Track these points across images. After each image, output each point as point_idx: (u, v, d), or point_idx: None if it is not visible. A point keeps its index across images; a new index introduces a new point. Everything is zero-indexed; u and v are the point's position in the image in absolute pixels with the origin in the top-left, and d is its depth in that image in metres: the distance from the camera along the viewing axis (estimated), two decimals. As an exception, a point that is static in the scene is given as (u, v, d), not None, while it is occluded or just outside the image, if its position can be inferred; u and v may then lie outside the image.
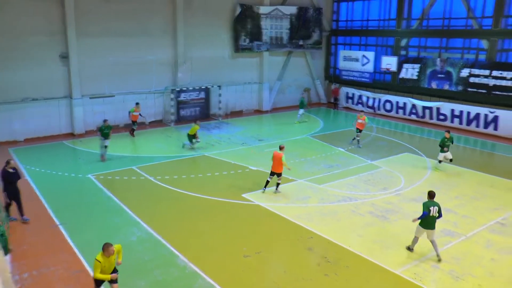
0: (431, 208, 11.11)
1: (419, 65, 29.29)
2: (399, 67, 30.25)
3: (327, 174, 17.90)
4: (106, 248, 8.41)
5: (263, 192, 15.60)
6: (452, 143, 18.96)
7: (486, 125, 25.84)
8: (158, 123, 26.92)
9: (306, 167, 18.78)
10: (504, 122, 25.12)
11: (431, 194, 11.48)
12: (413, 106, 29.37)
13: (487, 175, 18.38)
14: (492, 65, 25.90)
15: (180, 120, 27.33)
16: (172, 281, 10.27)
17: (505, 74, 25.15)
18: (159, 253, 11.53)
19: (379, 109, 31.42)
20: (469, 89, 26.83)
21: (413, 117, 29.37)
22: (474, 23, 26.93)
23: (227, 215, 14.03)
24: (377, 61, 31.75)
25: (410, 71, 29.78)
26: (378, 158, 20.27)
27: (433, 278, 10.66)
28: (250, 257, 11.33)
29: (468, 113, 26.64)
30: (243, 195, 15.41)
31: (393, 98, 30.57)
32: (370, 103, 32.02)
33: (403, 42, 30.84)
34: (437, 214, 11.20)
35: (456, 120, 27.20)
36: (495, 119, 25.44)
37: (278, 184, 15.68)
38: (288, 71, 33.57)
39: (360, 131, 22.11)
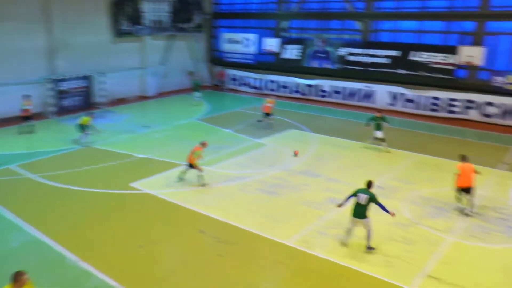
0: (359, 195, 10.64)
1: (300, 45, 30.37)
2: (281, 48, 31.09)
3: (216, 155, 17.87)
4: (18, 278, 6.85)
5: (177, 181, 15.05)
6: (387, 122, 19.22)
7: (364, 99, 27.69)
8: (37, 116, 24.74)
9: (195, 150, 18.58)
10: (379, 95, 27.12)
11: (367, 183, 10.82)
12: (297, 84, 30.46)
13: (370, 145, 19.64)
14: (367, 44, 27.79)
15: (62, 111, 25.46)
16: (62, 284, 9.52)
17: (378, 52, 27.13)
18: (46, 256, 10.52)
19: (263, 89, 32.10)
20: (347, 67, 28.50)
21: (297, 95, 30.47)
22: (349, 6, 28.52)
23: (116, 206, 13.35)
24: (260, 43, 32.29)
25: (292, 52, 30.76)
26: (265, 136, 20.69)
27: (320, 243, 11.15)
28: (143, 247, 10.91)
29: (348, 88, 28.32)
30: (131, 184, 14.80)
31: (277, 78, 31.43)
32: (255, 83, 32.58)
33: (284, 24, 31.75)
34: (366, 203, 10.53)
35: (337, 95, 28.74)
36: (371, 93, 27.35)
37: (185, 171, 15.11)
38: (172, 55, 32.84)
39: (268, 114, 22.26)
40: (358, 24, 28.55)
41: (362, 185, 10.99)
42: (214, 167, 16.50)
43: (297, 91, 30.45)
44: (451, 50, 24.76)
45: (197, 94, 27.99)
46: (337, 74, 28.94)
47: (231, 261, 10.33)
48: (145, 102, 29.67)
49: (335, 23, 30.20)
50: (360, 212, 10.63)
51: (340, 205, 11.17)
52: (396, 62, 26.62)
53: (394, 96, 26.67)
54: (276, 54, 31.60)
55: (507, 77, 23.28)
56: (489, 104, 23.85)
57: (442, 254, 10.81)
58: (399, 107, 26.56)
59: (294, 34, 31.93)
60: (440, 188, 14.89)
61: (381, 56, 27.08)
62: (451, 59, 24.71)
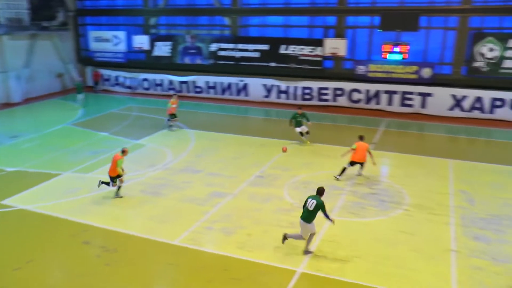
0: (308, 200, 10.48)
1: (170, 42, 30.12)
2: (152, 45, 30.55)
3: (94, 161, 17.11)
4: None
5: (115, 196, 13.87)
6: (307, 120, 19.33)
7: (238, 93, 28.41)
8: None
9: (70, 157, 17.58)
10: (253, 88, 28.02)
11: (318, 190, 10.65)
12: (170, 82, 30.21)
13: (242, 136, 20.35)
14: (237, 39, 28.49)
15: None
16: None
17: (248, 46, 27.99)
18: None
19: (137, 88, 31.32)
20: (220, 62, 28.96)
21: (172, 92, 30.16)
22: (216, 1, 28.93)
23: (-16, 227, 12.20)
24: (129, 40, 31.34)
25: (163, 49, 30.39)
26: (143, 136, 20.29)
27: (208, 239, 11.36)
28: (20, 269, 10.10)
29: (222, 83, 28.79)
30: (2, 202, 13.55)
31: (150, 76, 30.85)
32: (128, 83, 31.65)
33: (153, 21, 31.23)
34: (312, 209, 10.33)
35: (212, 91, 29.09)
36: (245, 86, 28.16)
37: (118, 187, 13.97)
38: (37, 56, 30.12)
39: (172, 116, 21.57)
40: (226, 20, 29.14)
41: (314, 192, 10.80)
42: (92, 173, 15.79)
43: (171, 88, 30.21)
44: (317, 42, 26.48)
45: (80, 96, 26.45)
46: (210, 69, 29.29)
47: (120, 269, 10.07)
48: (10, 109, 27.07)
49: (203, 19, 30.49)
50: (307, 216, 10.41)
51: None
52: (267, 55, 27.73)
53: (268, 89, 27.77)
54: (147, 52, 30.97)
55: (368, 66, 25.59)
56: (355, 90, 26.01)
57: (325, 233, 11.64)
58: (273, 99, 27.76)
59: (163, 31, 31.56)
60: (317, 171, 16.01)
61: (252, 50, 27.98)
62: (318, 51, 26.44)
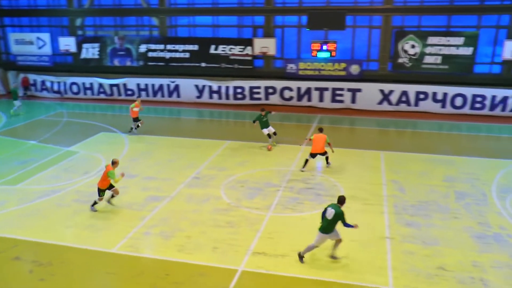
0: (328, 209, 10.19)
1: (98, 44, 29.27)
2: (79, 47, 29.54)
3: (22, 171, 16.39)
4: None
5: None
6: (270, 112, 19.48)
7: (170, 94, 28.18)
8: None
9: (-5, 169, 16.79)
10: (185, 89, 27.88)
11: (339, 198, 10.21)
12: (100, 85, 29.40)
13: (176, 138, 20.30)
14: (166, 40, 28.22)
15: None
16: None
17: (177, 47, 27.80)
18: None
19: (66, 92, 30.21)
20: (149, 63, 28.57)
21: (102, 96, 29.48)
22: (143, 2, 28.48)
23: None
24: (55, 42, 30.14)
25: (90, 51, 29.48)
26: (75, 143, 19.67)
27: (147, 244, 11.33)
28: None
29: (153, 85, 28.42)
30: None
31: (79, 80, 29.82)
32: (56, 87, 30.44)
33: (78, 22, 30.21)
34: (330, 218, 10.04)
35: (143, 93, 28.64)
36: (177, 87, 27.97)
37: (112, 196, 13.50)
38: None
39: (136, 119, 20.98)
40: (154, 20, 28.79)
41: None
42: (21, 184, 15.16)
43: (102, 92, 29.41)
44: (246, 42, 26.78)
45: (16, 103, 25.13)
46: (140, 71, 28.83)
47: (56, 283, 9.81)
48: None
49: (131, 20, 29.90)
50: (325, 226, 10.18)
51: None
52: (197, 56, 27.69)
53: (200, 89, 27.75)
54: (74, 54, 29.93)
55: (298, 64, 26.24)
56: (287, 88, 26.59)
57: (264, 230, 11.95)
58: (206, 99, 27.79)
59: (90, 32, 30.65)
60: (253, 170, 16.34)
61: (182, 51, 27.84)
62: (248, 50, 26.76)
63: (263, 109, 19.21)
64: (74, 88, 29.96)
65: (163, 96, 28.40)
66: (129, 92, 28.94)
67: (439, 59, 24.65)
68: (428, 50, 24.67)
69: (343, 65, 25.69)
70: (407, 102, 25.28)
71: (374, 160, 17.52)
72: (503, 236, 11.70)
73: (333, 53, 24.96)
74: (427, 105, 25.04)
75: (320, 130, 16.55)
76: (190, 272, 10.11)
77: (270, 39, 26.52)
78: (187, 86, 27.87)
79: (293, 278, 9.85)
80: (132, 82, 28.76)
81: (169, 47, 28.05)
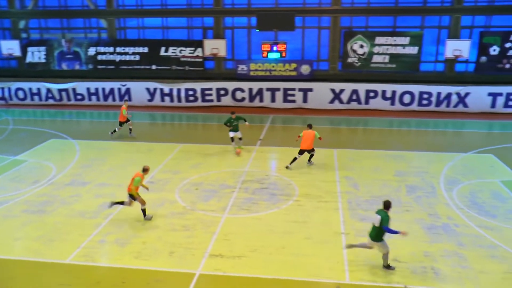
0: (376, 216, 10.01)
1: (44, 47, 28.37)
2: (24, 51, 28.49)
3: (-35, 182, 15.70)
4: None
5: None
6: (245, 120, 18.62)
7: (121, 98, 27.57)
8: None
9: None
10: (136, 92, 27.37)
11: (384, 203, 10.04)
12: (48, 90, 28.40)
13: (129, 143, 20.00)
14: (115, 42, 27.70)
15: None
16: None
17: (127, 49, 27.36)
18: None
19: (11, 98, 28.97)
20: (99, 67, 27.95)
21: (51, 101, 28.49)
22: (90, 3, 27.81)
23: None
24: (-3, 46, 28.98)
25: (36, 55, 28.53)
26: (23, 151, 18.93)
27: (102, 253, 11.09)
28: None
29: (103, 89, 27.73)
30: None
31: (25, 85, 28.59)
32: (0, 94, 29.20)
33: (22, 24, 29.12)
34: (378, 225, 9.81)
35: (94, 97, 27.92)
36: (128, 91, 27.44)
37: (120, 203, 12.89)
38: None
39: (122, 123, 20.57)
40: (103, 22, 28.18)
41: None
42: (-36, 197, 14.48)
43: (50, 97, 28.45)
44: (197, 44, 26.72)
45: None
46: (90, 75, 28.13)
47: (7, 297, 9.46)
48: None
49: (78, 22, 29.11)
50: (373, 233, 10.01)
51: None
52: (147, 58, 27.38)
53: (151, 92, 27.33)
54: (19, 59, 28.83)
55: (249, 65, 26.37)
56: (239, 90, 26.62)
57: (220, 232, 11.96)
58: (157, 102, 27.39)
59: (36, 35, 29.59)
60: (207, 172, 16.31)
61: (132, 53, 27.43)
62: (198, 52, 26.67)
63: (233, 112, 18.76)
64: (20, 94, 28.75)
65: (114, 100, 27.75)
66: (79, 97, 28.12)
67: (387, 58, 25.50)
68: (376, 49, 25.45)
69: (293, 65, 26.07)
70: (358, 101, 25.91)
71: (327, 158, 17.87)
72: (451, 226, 12.26)
73: (284, 54, 25.28)
74: (377, 103, 25.77)
75: (309, 126, 16.72)
76: (147, 279, 9.98)
77: (220, 40, 26.55)
78: (138, 89, 27.38)
79: (251, 279, 9.92)
80: (81, 86, 27.95)
81: (118, 49, 27.59)
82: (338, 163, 17.20)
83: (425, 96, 25.26)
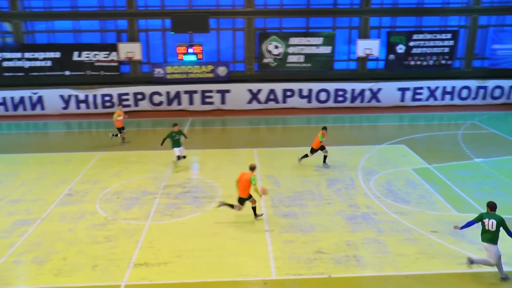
0: (485, 220, 9.58)
1: None
2: None
3: None
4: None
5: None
6: (185, 137, 17.39)
7: (33, 107, 26.00)
8: None
9: None
10: (49, 101, 25.97)
11: (489, 205, 9.70)
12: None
13: (44, 154, 19.04)
14: (23, 47, 26.22)
15: None
16: None
17: (36, 55, 26.01)
18: None
19: None
20: (6, 74, 26.32)
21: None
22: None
23: None
24: None
25: None
26: None
27: (18, 274, 10.45)
28: None
29: (12, 98, 25.87)
30: None
31: None
32: None
33: None
34: (495, 229, 9.44)
35: (1, 107, 26.09)
36: (40, 99, 25.94)
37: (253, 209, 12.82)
38: None
39: (123, 128, 19.78)
40: (7, 26, 26.54)
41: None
42: None
43: None
44: (111, 47, 26.02)
45: None
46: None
47: None
48: None
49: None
50: (489, 237, 9.59)
51: (456, 228, 10.18)
52: (59, 63, 26.25)
53: (66, 99, 26.07)
54: None
55: (165, 68, 26.08)
56: (156, 93, 26.26)
57: (144, 239, 11.77)
58: (73, 110, 26.20)
59: None
60: (128, 179, 15.96)
61: (43, 58, 26.13)
62: (113, 56, 25.95)
63: (176, 124, 17.03)
64: None
65: (25, 109, 26.11)
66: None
67: (302, 58, 26.39)
68: (291, 50, 26.24)
69: (210, 67, 26.22)
70: (275, 100, 26.54)
71: (248, 157, 18.14)
72: (370, 214, 13.00)
73: (200, 56, 25.36)
74: (294, 101, 26.55)
75: (325, 128, 17.06)
76: (69, 296, 9.63)
77: (135, 43, 26.08)
78: (52, 97, 26.00)
79: (178, 284, 9.87)
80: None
81: (27, 55, 26.14)
82: (259, 162, 17.52)
83: (340, 93, 26.43)
